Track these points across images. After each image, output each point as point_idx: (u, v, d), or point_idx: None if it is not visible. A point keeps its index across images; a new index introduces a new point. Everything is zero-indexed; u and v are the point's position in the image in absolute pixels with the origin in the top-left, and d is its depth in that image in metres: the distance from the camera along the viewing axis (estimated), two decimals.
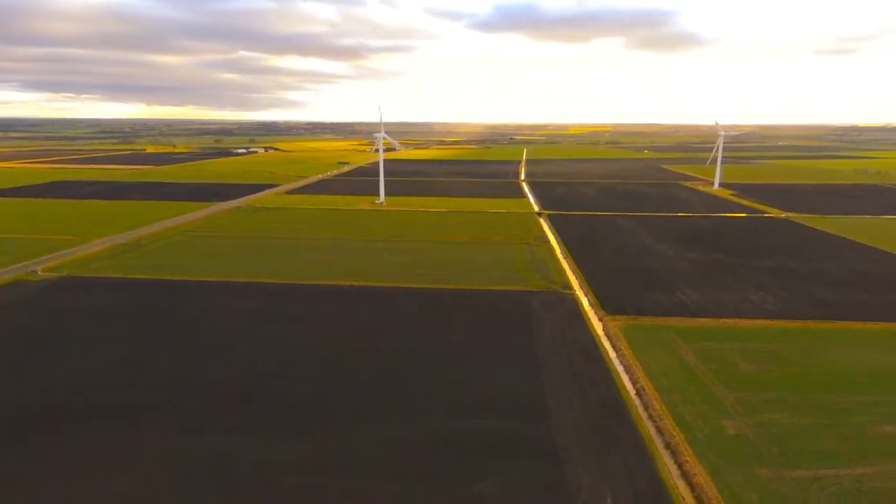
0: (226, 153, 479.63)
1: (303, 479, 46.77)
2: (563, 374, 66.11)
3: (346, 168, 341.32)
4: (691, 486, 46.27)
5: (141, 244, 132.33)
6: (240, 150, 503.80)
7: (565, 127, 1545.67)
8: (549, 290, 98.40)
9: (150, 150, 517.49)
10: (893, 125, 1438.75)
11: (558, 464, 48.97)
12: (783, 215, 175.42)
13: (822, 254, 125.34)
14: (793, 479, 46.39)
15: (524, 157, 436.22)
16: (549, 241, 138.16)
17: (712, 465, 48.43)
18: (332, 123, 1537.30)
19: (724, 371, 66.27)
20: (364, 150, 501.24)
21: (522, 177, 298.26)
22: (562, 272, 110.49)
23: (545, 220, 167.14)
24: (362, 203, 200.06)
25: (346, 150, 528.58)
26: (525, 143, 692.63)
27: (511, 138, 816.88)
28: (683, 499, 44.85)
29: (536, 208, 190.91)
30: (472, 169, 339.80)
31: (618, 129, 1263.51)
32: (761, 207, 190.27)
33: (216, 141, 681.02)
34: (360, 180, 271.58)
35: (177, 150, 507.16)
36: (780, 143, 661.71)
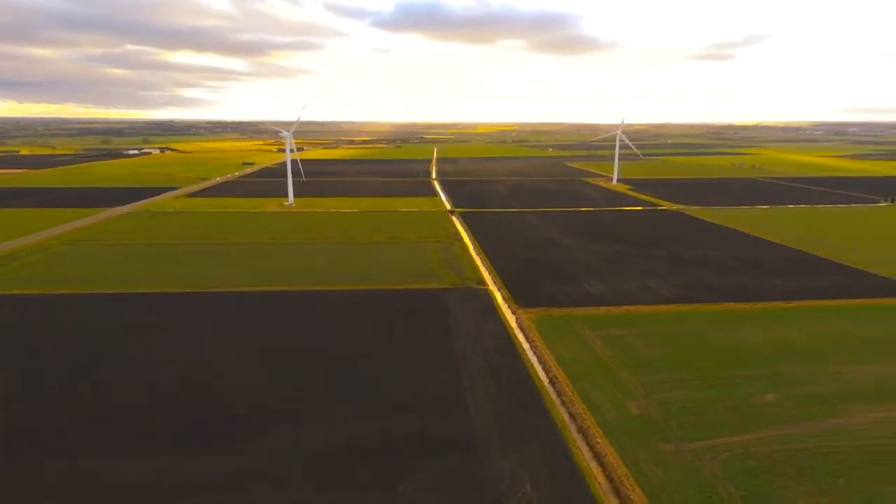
0: (116, 155, 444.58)
1: (219, 497, 44.69)
2: (479, 368, 67.69)
3: (251, 169, 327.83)
4: (602, 465, 49.14)
5: (18, 256, 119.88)
6: (131, 152, 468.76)
7: (474, 126, 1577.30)
8: (464, 286, 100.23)
9: (24, 151, 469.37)
10: (763, 124, 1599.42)
11: (478, 456, 50.18)
12: (674, 207, 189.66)
13: (709, 242, 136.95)
14: (690, 451, 50.54)
15: (435, 156, 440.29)
16: (462, 239, 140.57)
17: (621, 444, 51.67)
18: (235, 122, 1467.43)
19: (627, 355, 70.77)
20: (270, 150, 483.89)
21: (434, 175, 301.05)
22: (475, 268, 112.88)
23: (458, 218, 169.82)
24: (271, 205, 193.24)
25: (251, 150, 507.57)
26: (435, 141, 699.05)
27: (421, 137, 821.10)
28: (596, 478, 47.53)
29: (449, 206, 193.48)
30: (383, 168, 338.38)
31: (524, 128, 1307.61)
32: (655, 201, 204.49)
33: (104, 142, 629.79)
34: (267, 181, 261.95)
35: (57, 152, 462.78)
36: (668, 141, 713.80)
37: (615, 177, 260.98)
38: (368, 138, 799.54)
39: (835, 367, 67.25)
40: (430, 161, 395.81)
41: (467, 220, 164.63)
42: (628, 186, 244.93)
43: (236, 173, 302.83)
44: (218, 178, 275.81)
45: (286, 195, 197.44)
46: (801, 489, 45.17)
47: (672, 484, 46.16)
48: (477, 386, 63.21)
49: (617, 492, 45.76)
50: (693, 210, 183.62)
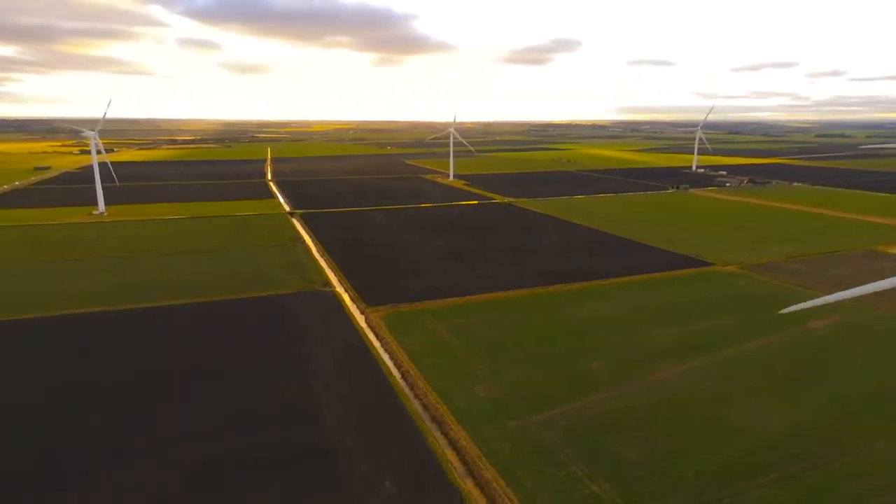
0: None
1: None
2: (331, 371, 66.50)
3: (47, 174, 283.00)
4: (457, 450, 51.34)
5: None
6: None
7: (309, 124, 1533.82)
8: (310, 290, 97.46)
9: None
10: (576, 122, 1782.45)
11: (335, 460, 49.39)
12: (506, 200, 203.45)
13: (538, 231, 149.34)
14: (533, 424, 54.96)
15: (269, 156, 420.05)
16: (304, 241, 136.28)
17: (472, 427, 54.40)
18: (20, 120, 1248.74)
19: (473, 343, 74.59)
20: (71, 152, 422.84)
21: (269, 176, 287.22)
22: (320, 270, 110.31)
23: (298, 220, 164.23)
24: (76, 215, 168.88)
25: (46, 152, 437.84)
26: (269, 141, 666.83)
27: (253, 136, 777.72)
28: (451, 463, 49.51)
29: (288, 208, 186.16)
30: (212, 170, 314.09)
31: (361, 126, 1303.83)
32: (489, 195, 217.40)
33: None
34: (68, 188, 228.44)
35: None
36: (497, 138, 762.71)
37: (451, 173, 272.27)
38: (193, 137, 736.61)
39: (646, 331, 77.70)
40: (264, 161, 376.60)
41: (309, 222, 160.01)
42: (464, 182, 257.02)
43: (29, 179, 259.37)
44: (5, 187, 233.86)
45: (96, 203, 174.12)
46: (626, 441, 51.60)
47: (519, 456, 49.83)
48: (329, 389, 62.05)
49: (471, 473, 48.16)
50: (522, 202, 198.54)
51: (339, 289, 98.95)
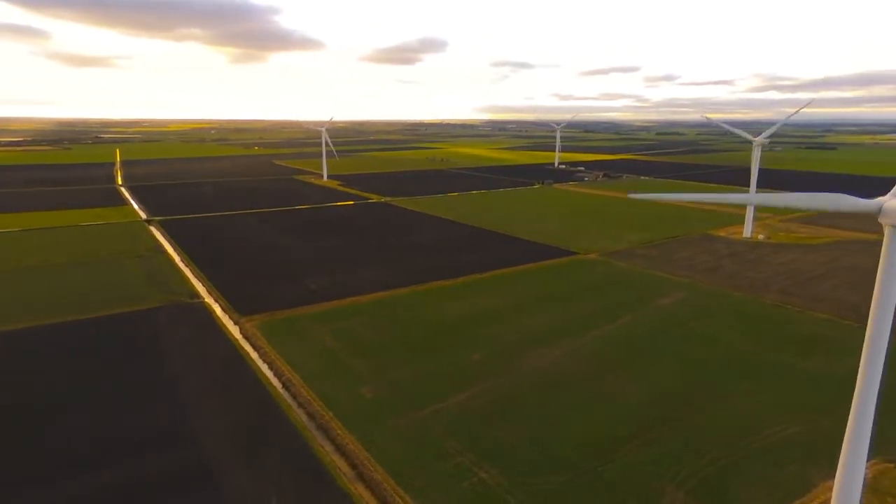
0: None
1: None
2: (205, 388, 62.18)
3: None
4: (345, 455, 50.52)
5: None
6: None
7: (165, 123, 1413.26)
8: (175, 302, 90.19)
9: None
10: (447, 121, 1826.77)
11: (217, 482, 46.36)
12: (383, 200, 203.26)
13: (416, 229, 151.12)
14: (419, 419, 55.70)
15: (118, 159, 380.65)
16: (165, 251, 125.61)
17: (360, 430, 53.86)
18: None
19: (356, 345, 73.77)
20: None
21: (120, 181, 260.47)
22: (186, 281, 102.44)
23: (157, 228, 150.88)
24: None
25: None
26: (116, 141, 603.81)
27: (97, 137, 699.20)
28: (341, 469, 48.64)
29: (144, 215, 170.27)
30: (50, 175, 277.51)
31: (223, 126, 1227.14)
32: (365, 195, 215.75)
33: None
34: None
35: None
36: (371, 137, 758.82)
37: (325, 173, 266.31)
38: (22, 139, 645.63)
39: (521, 321, 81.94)
40: (113, 165, 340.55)
41: (170, 230, 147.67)
42: (339, 182, 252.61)
43: None
44: None
45: None
46: (508, 427, 54.11)
47: (408, 453, 50.28)
48: (205, 408, 57.99)
49: (361, 476, 47.70)
50: (399, 201, 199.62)
51: (209, 299, 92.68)
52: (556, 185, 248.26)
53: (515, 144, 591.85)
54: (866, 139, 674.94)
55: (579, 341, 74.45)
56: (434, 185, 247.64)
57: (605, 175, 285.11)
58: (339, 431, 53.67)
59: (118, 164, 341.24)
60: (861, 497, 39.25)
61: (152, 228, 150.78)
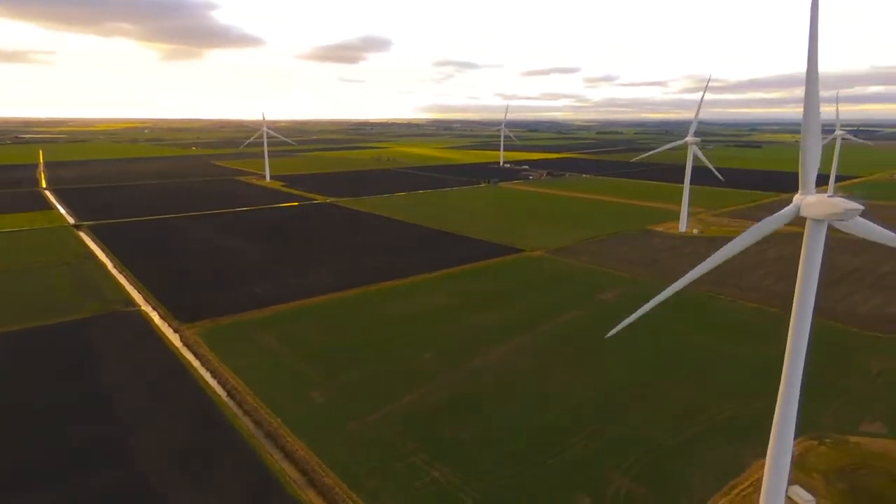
0: None
1: None
2: (145, 402, 59.45)
3: None
4: (295, 461, 49.51)
5: None
6: None
7: (93, 123, 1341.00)
8: (110, 312, 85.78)
9: None
10: (393, 120, 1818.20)
11: (160, 501, 44.42)
12: (328, 200, 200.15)
13: (363, 229, 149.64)
14: (372, 422, 55.26)
15: (42, 160, 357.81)
16: (96, 257, 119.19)
17: (310, 436, 52.88)
18: None
19: (304, 349, 72.38)
20: None
21: (45, 184, 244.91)
22: (119, 289, 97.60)
23: (87, 233, 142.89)
24: None
25: None
26: (39, 142, 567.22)
27: (17, 137, 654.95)
28: (290, 477, 47.63)
29: (72, 220, 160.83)
30: None
31: (158, 125, 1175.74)
32: (309, 195, 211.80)
33: None
34: None
35: None
36: (314, 137, 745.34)
37: (268, 174, 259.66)
38: None
39: (471, 318, 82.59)
40: (36, 166, 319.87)
41: (101, 235, 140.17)
42: (282, 183, 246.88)
43: None
44: None
45: None
46: (461, 425, 54.46)
47: (360, 456, 49.80)
48: (145, 423, 55.45)
49: (312, 482, 46.88)
50: (345, 201, 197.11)
51: (146, 307, 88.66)
52: (502, 184, 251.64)
53: (461, 144, 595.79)
54: (788, 137, 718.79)
55: (527, 337, 75.78)
56: (380, 185, 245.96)
57: (548, 173, 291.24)
58: (287, 438, 52.53)
59: (42, 166, 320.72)
60: (790, 473, 41.89)
61: (81, 234, 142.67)
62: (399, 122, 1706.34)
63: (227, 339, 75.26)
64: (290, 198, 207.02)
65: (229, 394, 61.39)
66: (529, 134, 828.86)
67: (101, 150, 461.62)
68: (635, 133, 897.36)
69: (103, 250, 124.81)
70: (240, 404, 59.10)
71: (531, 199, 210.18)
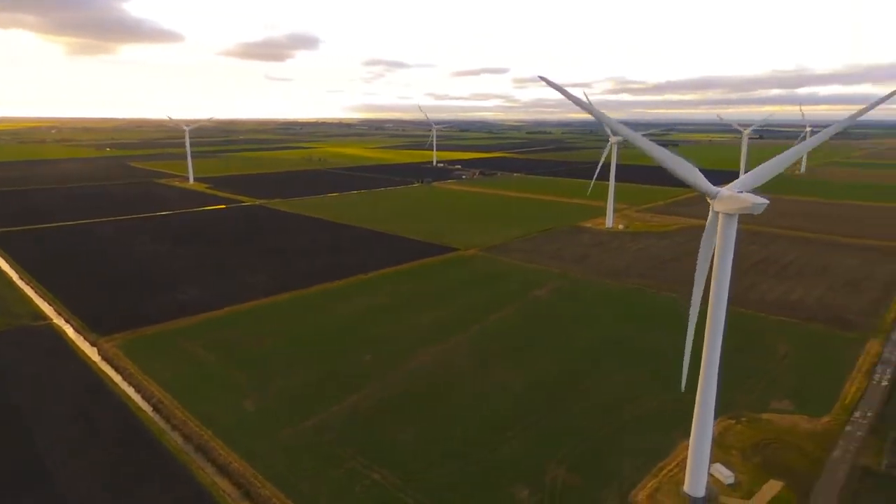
0: None
1: None
2: (61, 423, 55.40)
3: None
4: (229, 474, 47.72)
5: None
6: None
7: None
8: (15, 327, 79.32)
9: None
10: (323, 120, 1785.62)
11: None
12: (258, 202, 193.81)
13: (295, 232, 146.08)
14: (309, 428, 54.14)
15: None
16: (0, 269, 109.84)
17: (243, 446, 51.11)
18: None
19: (236, 356, 69.82)
20: None
21: None
22: (27, 301, 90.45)
23: None
24: None
25: None
26: None
27: None
28: (224, 491, 45.87)
29: None
30: None
31: (67, 125, 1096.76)
32: (237, 197, 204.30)
33: None
34: None
35: None
36: (241, 137, 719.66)
37: (191, 176, 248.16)
38: None
39: (409, 319, 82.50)
40: None
41: (5, 244, 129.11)
42: (207, 185, 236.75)
43: None
44: None
45: None
46: (400, 426, 54.31)
47: (298, 464, 48.68)
48: (61, 446, 51.68)
49: (248, 495, 45.40)
50: (276, 203, 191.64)
51: (58, 321, 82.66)
52: (436, 184, 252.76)
53: (393, 144, 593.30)
54: (702, 137, 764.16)
55: (464, 336, 76.62)
56: (312, 185, 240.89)
57: (481, 173, 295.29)
58: (220, 451, 50.55)
59: None
60: (710, 452, 44.73)
61: None
62: (329, 121, 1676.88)
63: (151, 351, 71.42)
64: (217, 200, 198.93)
65: (155, 408, 58.33)
66: (460, 134, 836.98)
67: (5, 152, 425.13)
68: (563, 133, 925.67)
69: (6, 260, 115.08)
70: (167, 418, 56.28)
71: (464, 198, 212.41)
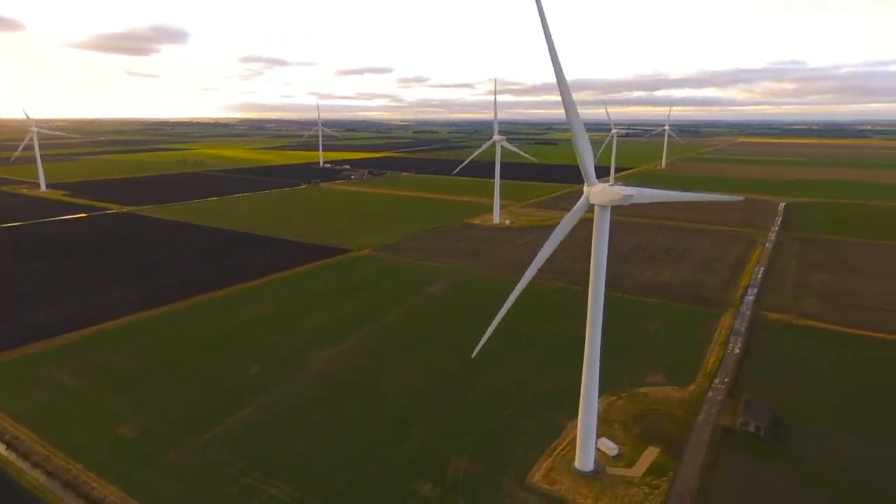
0: None
1: None
2: None
3: None
4: None
5: None
6: None
7: None
8: None
9: None
10: (198, 119, 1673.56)
11: None
12: (126, 209, 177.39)
13: (170, 240, 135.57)
14: (198, 447, 50.59)
15: None
16: None
17: (122, 476, 46.69)
18: None
19: (106, 379, 63.55)
20: None
21: None
22: None
23: None
24: None
25: None
26: None
27: None
28: None
29: None
30: None
31: None
32: (101, 205, 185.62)
33: None
34: None
35: None
36: (102, 139, 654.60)
37: (42, 182, 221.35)
38: None
39: (300, 324, 79.86)
40: None
41: None
42: (63, 192, 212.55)
43: None
44: None
45: None
46: (295, 435, 52.47)
47: (186, 488, 45.39)
48: None
49: None
50: (147, 210, 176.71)
51: None
52: (324, 185, 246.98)
53: (277, 144, 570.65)
54: None
55: (358, 337, 75.72)
56: (188, 190, 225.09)
57: (370, 173, 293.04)
58: (94, 484, 45.78)
59: None
60: (596, 427, 48.06)
61: None
62: (205, 121, 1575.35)
63: (5, 381, 62.96)
64: (76, 208, 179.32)
65: (10, 446, 51.48)
66: (347, 133, 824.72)
67: None
68: (449, 132, 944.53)
69: None
70: (26, 456, 49.90)
71: (354, 198, 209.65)
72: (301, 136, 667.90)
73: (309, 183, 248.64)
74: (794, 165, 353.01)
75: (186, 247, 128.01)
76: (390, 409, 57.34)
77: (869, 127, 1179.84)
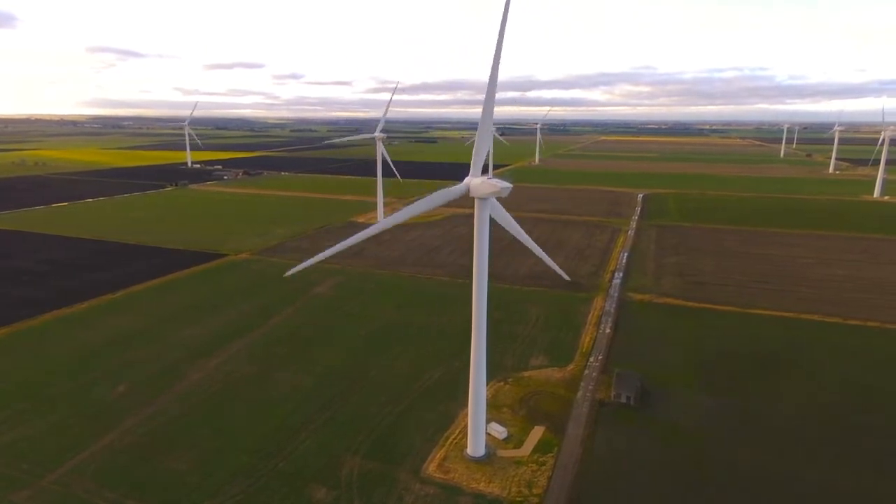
0: None
1: None
2: None
3: None
4: None
5: None
6: None
7: None
8: None
9: None
10: (39, 116, 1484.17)
11: None
12: None
13: (12, 252, 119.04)
14: (54, 483, 45.01)
15: None
16: None
17: None
18: None
19: None
20: None
21: None
22: None
23: None
24: None
25: None
26: None
27: None
28: None
29: None
30: None
31: None
32: None
33: None
34: None
35: None
36: None
37: None
38: None
39: (174, 336, 73.92)
40: None
41: None
42: None
43: None
44: None
45: None
46: (174, 456, 48.51)
47: None
48: None
49: None
50: None
51: None
52: (193, 186, 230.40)
53: (136, 143, 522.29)
54: (455, 134, 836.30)
55: (241, 345, 71.83)
56: (30, 196, 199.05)
57: (244, 173, 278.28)
58: None
59: None
60: (486, 413, 49.75)
61: None
62: (47, 118, 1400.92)
63: None
64: None
65: None
66: (218, 132, 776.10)
67: None
68: (328, 130, 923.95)
69: None
70: None
71: (229, 200, 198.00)
72: (161, 135, 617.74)
73: (176, 185, 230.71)
74: (650, 161, 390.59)
75: (32, 258, 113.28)
76: (278, 416, 55.06)
77: (708, 126, 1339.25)
